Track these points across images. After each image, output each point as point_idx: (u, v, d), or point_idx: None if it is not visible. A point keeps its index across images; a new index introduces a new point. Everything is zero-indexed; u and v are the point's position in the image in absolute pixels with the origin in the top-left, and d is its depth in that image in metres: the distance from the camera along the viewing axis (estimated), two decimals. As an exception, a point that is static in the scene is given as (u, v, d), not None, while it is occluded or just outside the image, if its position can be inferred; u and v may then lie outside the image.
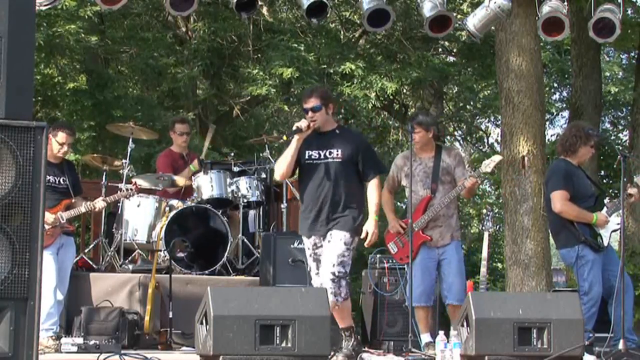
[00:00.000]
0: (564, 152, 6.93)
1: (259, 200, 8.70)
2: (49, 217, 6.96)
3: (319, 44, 13.59)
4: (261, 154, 9.29)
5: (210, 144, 10.38)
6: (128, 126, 8.74)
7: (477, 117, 19.62)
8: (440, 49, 16.12)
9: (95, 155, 9.03)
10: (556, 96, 18.68)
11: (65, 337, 6.77)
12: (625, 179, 6.79)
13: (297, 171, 6.43)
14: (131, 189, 7.78)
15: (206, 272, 8.11)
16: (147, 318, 7.27)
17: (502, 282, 12.73)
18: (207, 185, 8.41)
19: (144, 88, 14.86)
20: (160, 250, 7.85)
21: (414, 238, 6.84)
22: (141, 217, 8.28)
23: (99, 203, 7.46)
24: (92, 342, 6.59)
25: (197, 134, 13.50)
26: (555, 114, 18.91)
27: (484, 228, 7.33)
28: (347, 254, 6.07)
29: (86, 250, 8.46)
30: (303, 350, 5.03)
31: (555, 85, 17.97)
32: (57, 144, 7.17)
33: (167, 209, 8.17)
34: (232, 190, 8.50)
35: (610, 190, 13.64)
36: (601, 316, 6.67)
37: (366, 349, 7.57)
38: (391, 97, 15.15)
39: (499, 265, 16.30)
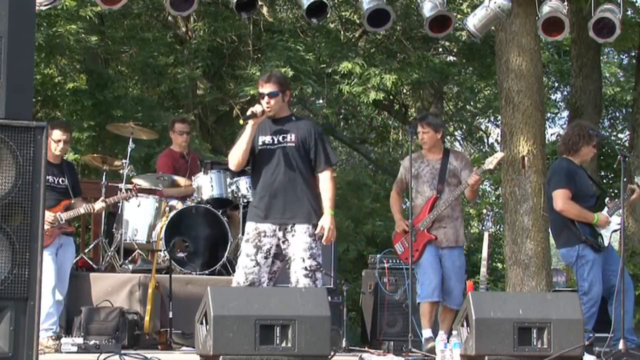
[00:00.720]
0: (566, 151, 6.94)
1: (259, 200, 8.69)
2: (49, 216, 6.96)
3: (319, 44, 13.59)
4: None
5: (210, 144, 10.38)
6: (128, 126, 8.74)
7: (477, 117, 19.63)
8: (440, 49, 16.12)
9: (95, 155, 9.02)
10: (557, 95, 18.71)
11: (65, 337, 6.77)
12: (625, 179, 6.79)
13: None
14: (130, 191, 7.78)
15: (206, 272, 8.10)
16: (147, 318, 7.27)
17: (502, 282, 12.73)
18: (207, 185, 8.40)
19: (144, 88, 14.86)
20: (160, 250, 7.85)
21: (419, 237, 6.92)
22: (141, 217, 8.28)
23: (98, 204, 7.46)
24: (92, 342, 6.59)
25: (197, 135, 13.50)
26: (555, 113, 18.93)
27: (484, 228, 7.36)
28: (314, 245, 5.94)
29: (86, 250, 8.46)
30: (303, 350, 5.03)
31: (556, 84, 17.97)
32: (53, 142, 7.18)
33: (167, 209, 8.17)
34: (232, 190, 8.49)
35: (610, 190, 13.64)
36: (601, 316, 6.67)
37: (366, 349, 7.58)
38: (391, 93, 15.14)
39: (499, 265, 16.29)
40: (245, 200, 8.59)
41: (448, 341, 5.70)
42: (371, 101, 13.02)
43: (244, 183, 8.59)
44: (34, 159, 3.83)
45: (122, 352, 6.06)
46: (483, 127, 20.50)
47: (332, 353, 5.42)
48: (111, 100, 12.51)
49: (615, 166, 13.68)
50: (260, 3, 9.79)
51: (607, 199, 7.03)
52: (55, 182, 7.25)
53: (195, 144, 12.55)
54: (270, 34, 13.67)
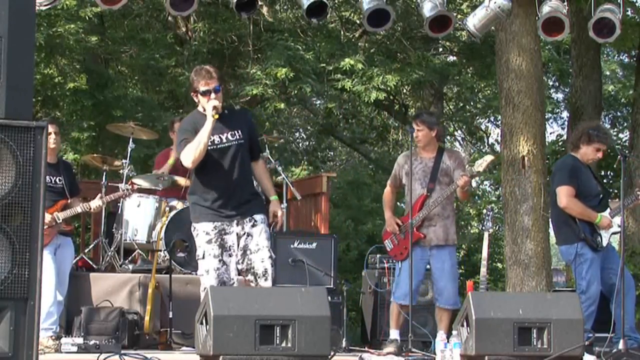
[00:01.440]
0: (571, 147, 7.01)
1: (258, 200, 8.69)
2: (46, 216, 6.94)
3: (319, 44, 13.59)
4: (261, 154, 9.26)
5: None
6: (128, 126, 8.74)
7: (477, 117, 19.63)
8: (440, 49, 16.12)
9: (95, 155, 9.03)
10: (559, 95, 18.71)
11: (65, 337, 6.76)
12: (625, 179, 6.79)
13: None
14: (128, 189, 7.77)
15: (206, 272, 8.09)
16: (147, 318, 7.27)
17: (502, 282, 12.73)
18: (207, 185, 8.39)
19: (144, 88, 14.86)
20: (160, 250, 7.85)
21: (409, 235, 6.84)
22: (141, 217, 8.28)
23: (95, 202, 7.39)
24: (92, 342, 6.58)
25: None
26: (556, 113, 18.93)
27: (484, 228, 7.33)
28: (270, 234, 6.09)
29: (86, 250, 8.46)
30: (303, 350, 5.03)
31: (557, 84, 17.97)
32: None
33: (167, 209, 8.17)
34: (232, 190, 8.48)
35: (610, 190, 13.64)
36: (601, 316, 6.67)
37: (366, 349, 7.58)
38: (392, 93, 15.15)
39: (499, 265, 16.30)
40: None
41: (448, 341, 5.70)
42: (372, 100, 13.00)
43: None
44: (34, 159, 3.83)
45: (122, 352, 6.06)
46: (483, 127, 20.52)
47: (332, 353, 5.42)
48: (111, 100, 12.52)
49: (615, 166, 13.68)
50: (260, 3, 9.79)
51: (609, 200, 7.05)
52: (52, 181, 7.21)
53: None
54: (270, 34, 13.67)
